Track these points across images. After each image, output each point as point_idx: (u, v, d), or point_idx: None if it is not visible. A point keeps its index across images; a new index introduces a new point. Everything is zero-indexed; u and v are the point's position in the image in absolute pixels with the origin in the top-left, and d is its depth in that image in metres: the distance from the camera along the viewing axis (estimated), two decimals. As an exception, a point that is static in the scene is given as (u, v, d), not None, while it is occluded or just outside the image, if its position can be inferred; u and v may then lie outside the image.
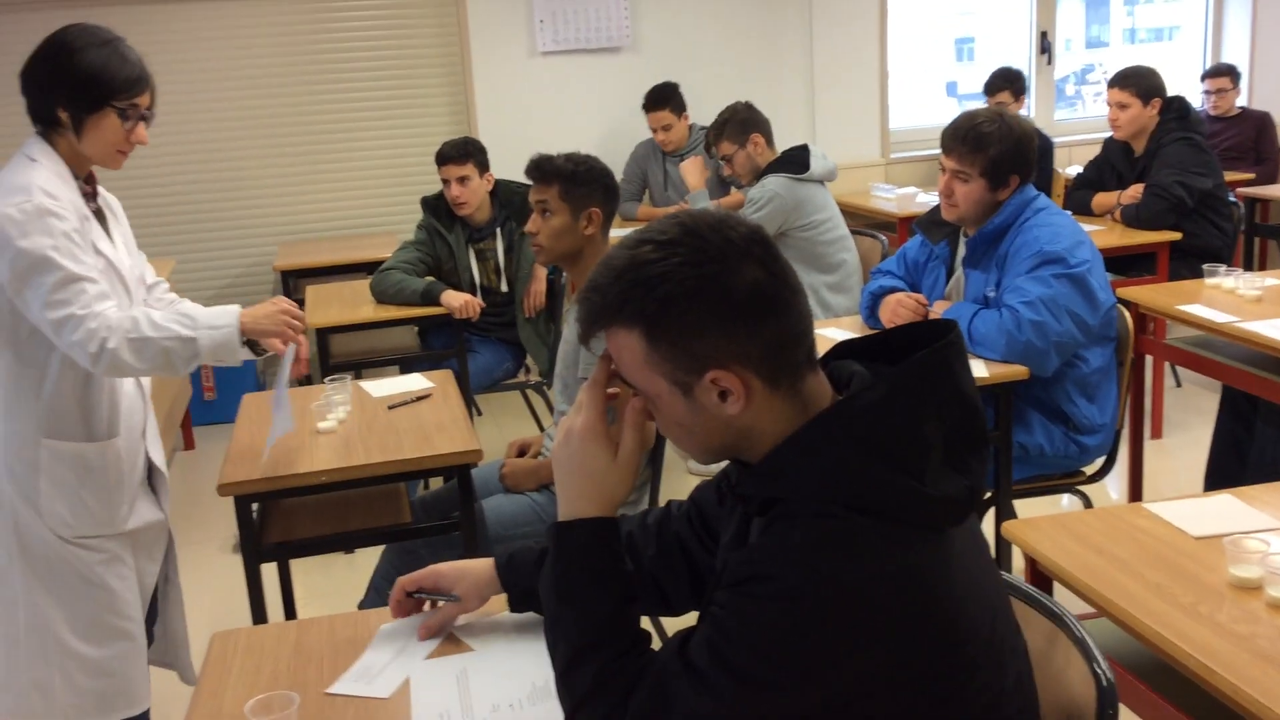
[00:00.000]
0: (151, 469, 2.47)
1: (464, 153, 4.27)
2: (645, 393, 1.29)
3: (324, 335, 4.18)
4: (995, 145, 2.95)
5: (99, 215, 2.32)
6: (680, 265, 1.22)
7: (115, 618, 2.34)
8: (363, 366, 4.41)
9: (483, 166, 4.34)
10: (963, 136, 2.99)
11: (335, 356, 4.28)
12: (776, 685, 1.17)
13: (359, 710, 1.54)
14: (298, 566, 3.11)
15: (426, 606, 1.74)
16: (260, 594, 2.61)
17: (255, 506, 2.63)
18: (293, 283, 5.10)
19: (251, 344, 2.33)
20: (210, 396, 5.39)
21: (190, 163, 5.57)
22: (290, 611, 3.08)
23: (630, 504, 2.82)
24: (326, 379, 2.98)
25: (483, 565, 1.70)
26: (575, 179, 2.79)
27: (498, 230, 4.40)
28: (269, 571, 2.90)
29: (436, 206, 4.41)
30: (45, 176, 2.17)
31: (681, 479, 4.45)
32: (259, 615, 2.61)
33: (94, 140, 2.21)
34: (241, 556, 2.63)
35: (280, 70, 5.60)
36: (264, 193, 5.70)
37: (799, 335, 1.26)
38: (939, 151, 3.09)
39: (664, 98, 5.44)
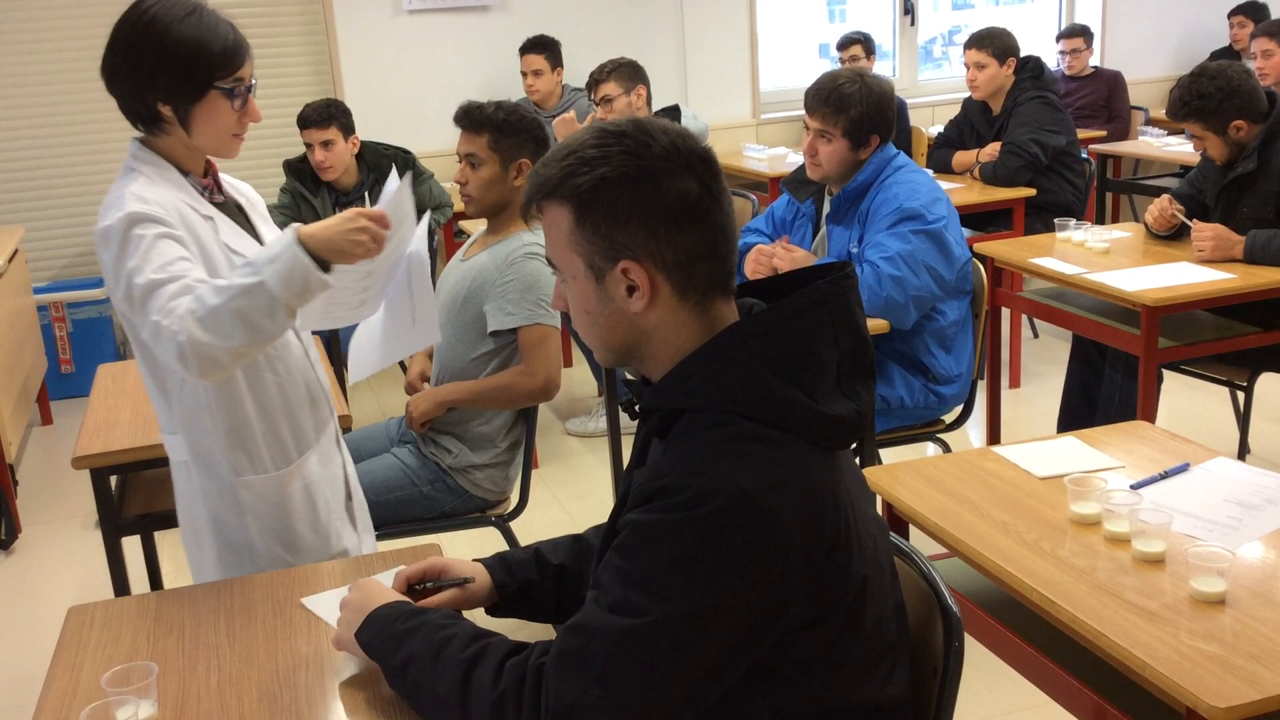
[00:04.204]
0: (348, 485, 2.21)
1: (327, 115, 4.18)
2: (564, 272, 1.33)
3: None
4: (856, 106, 3.02)
5: (234, 209, 2.05)
6: (621, 153, 1.27)
7: None
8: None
9: (347, 129, 4.25)
10: (825, 97, 3.05)
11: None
12: (687, 596, 1.18)
13: (222, 677, 1.52)
14: (167, 539, 3.04)
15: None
16: (122, 568, 2.55)
17: (114, 479, 2.56)
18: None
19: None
20: (68, 369, 5.20)
21: (38, 125, 5.28)
22: (156, 584, 3.02)
23: (501, 463, 2.83)
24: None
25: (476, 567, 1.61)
26: (505, 129, 2.76)
27: (366, 194, 4.32)
28: (133, 545, 2.83)
29: (300, 170, 4.31)
30: (142, 183, 1.89)
31: (560, 440, 4.46)
32: (121, 589, 2.55)
33: (205, 131, 1.91)
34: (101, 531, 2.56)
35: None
36: (119, 156, 5.46)
37: (719, 255, 1.30)
38: (808, 112, 3.14)
39: (543, 45, 5.39)
